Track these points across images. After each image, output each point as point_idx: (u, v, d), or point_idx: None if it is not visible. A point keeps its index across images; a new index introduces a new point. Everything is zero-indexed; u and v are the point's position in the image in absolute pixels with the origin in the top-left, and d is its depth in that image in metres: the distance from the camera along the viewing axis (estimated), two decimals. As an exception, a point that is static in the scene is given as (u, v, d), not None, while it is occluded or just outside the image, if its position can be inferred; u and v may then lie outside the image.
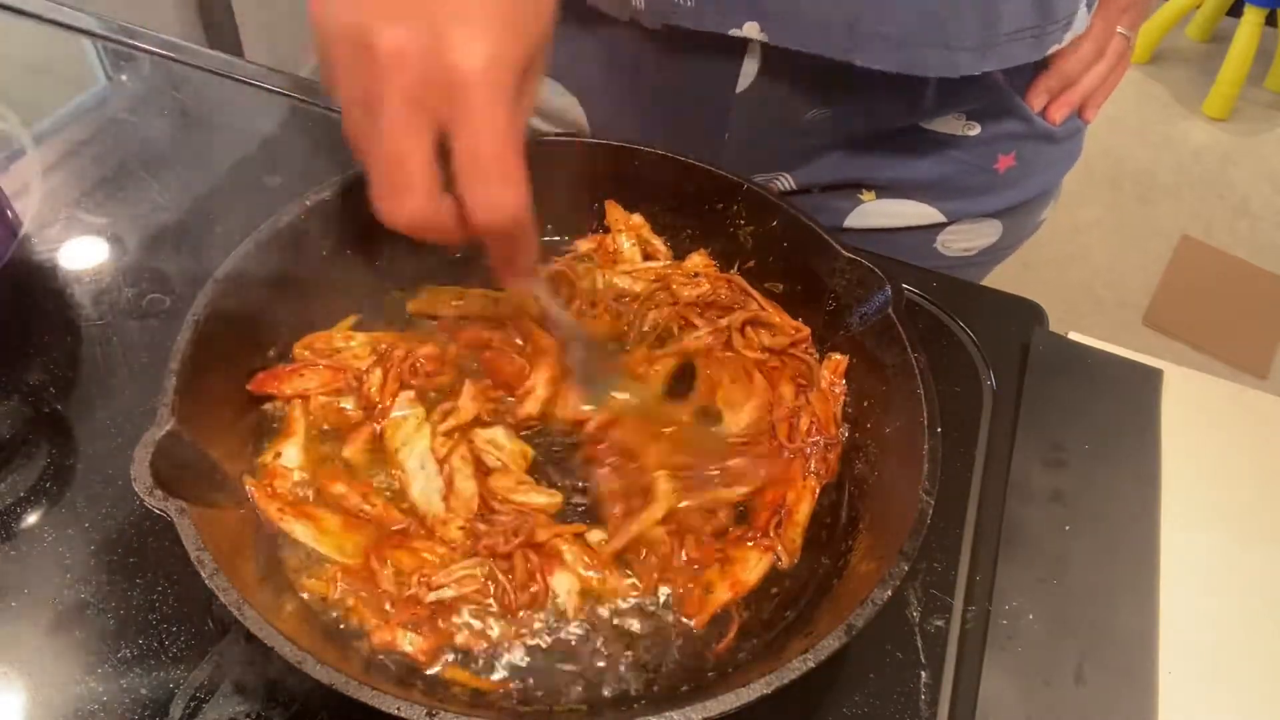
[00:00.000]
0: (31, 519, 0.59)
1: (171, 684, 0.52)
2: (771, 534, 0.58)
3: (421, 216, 0.45)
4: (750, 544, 0.57)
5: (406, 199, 0.45)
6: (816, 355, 0.67)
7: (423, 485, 0.57)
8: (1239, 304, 2.42)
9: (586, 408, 0.62)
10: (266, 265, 0.59)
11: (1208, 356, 2.26)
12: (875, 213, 0.87)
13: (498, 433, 0.60)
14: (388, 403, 0.60)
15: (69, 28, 0.93)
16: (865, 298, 0.63)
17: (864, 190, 0.86)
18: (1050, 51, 0.74)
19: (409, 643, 0.50)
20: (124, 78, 0.91)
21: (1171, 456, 0.69)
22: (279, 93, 0.90)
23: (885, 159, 0.83)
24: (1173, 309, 2.38)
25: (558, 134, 0.70)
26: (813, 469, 0.61)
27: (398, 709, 0.42)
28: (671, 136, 0.78)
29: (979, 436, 0.68)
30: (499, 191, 0.45)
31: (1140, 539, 0.64)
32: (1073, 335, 0.77)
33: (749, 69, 0.75)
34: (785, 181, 0.85)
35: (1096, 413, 0.71)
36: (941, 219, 0.86)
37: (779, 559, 0.57)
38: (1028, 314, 0.78)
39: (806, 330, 0.68)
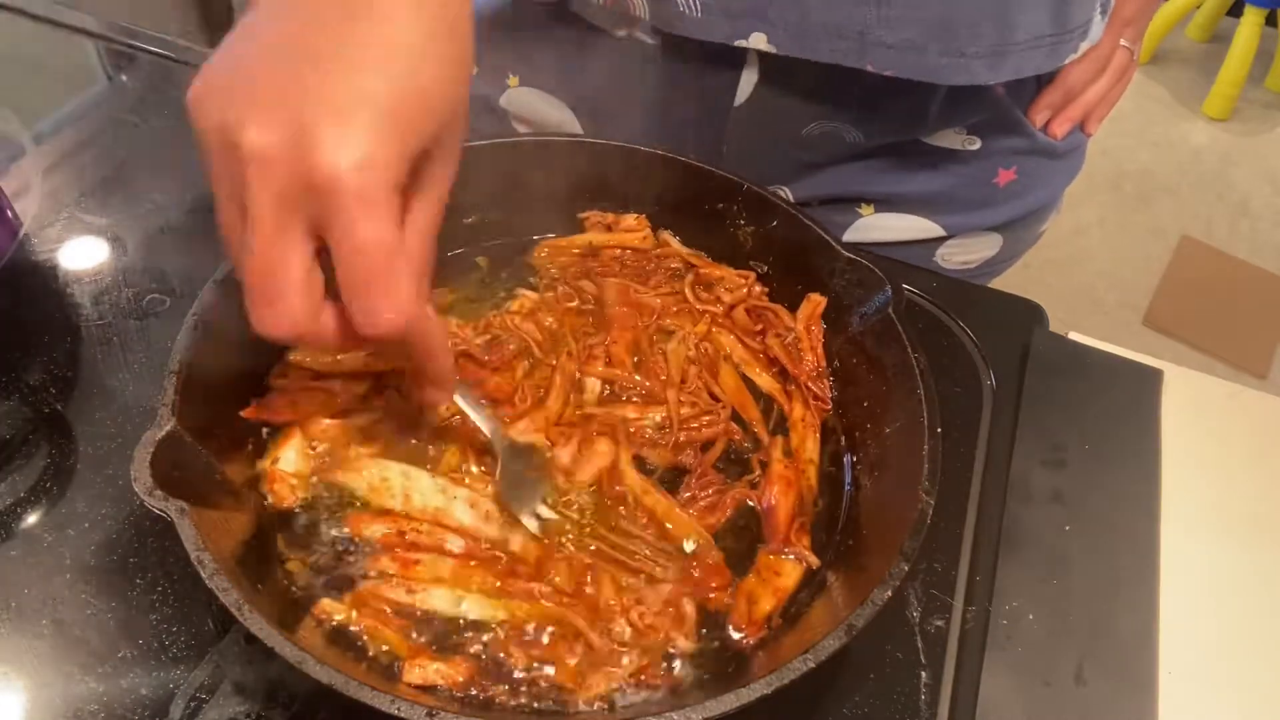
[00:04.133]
0: (31, 519, 0.59)
1: (171, 684, 0.52)
2: (793, 540, 0.58)
3: (297, 328, 0.42)
4: (773, 556, 0.58)
5: (280, 309, 0.41)
6: (767, 299, 0.70)
7: (464, 509, 0.56)
8: (1239, 304, 2.42)
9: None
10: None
11: (1208, 356, 2.26)
12: (874, 226, 0.86)
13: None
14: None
15: (69, 28, 0.93)
16: (865, 298, 0.63)
17: (862, 204, 0.86)
18: (1066, 61, 0.73)
19: (441, 675, 0.50)
20: (124, 78, 0.91)
21: (1171, 456, 0.69)
22: (279, 93, 0.90)
23: (885, 173, 0.82)
24: (1173, 309, 2.38)
25: (559, 135, 0.70)
26: (813, 395, 0.64)
27: (398, 709, 0.42)
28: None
29: (979, 436, 0.68)
30: (380, 303, 0.41)
31: (1140, 539, 0.64)
32: (1073, 335, 0.77)
33: (747, 83, 0.75)
34: (783, 194, 0.85)
35: (1096, 413, 0.71)
36: (941, 233, 0.86)
37: (807, 562, 0.57)
38: (1028, 314, 0.78)
39: (752, 275, 0.70)
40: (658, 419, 0.63)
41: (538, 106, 0.86)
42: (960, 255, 0.89)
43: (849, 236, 0.87)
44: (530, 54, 0.83)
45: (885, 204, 0.85)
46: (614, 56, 0.77)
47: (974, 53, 0.67)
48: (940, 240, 0.87)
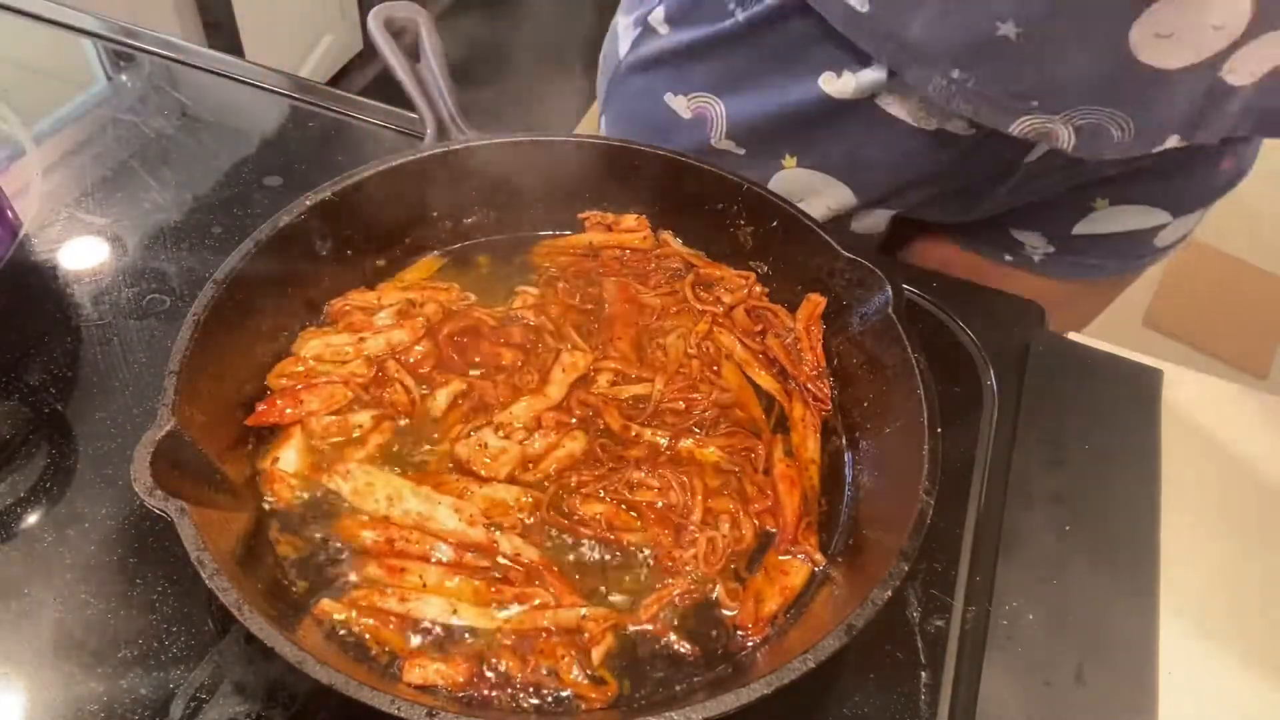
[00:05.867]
0: (31, 519, 0.59)
1: (171, 684, 0.52)
2: (800, 539, 0.58)
3: None
4: (785, 556, 0.58)
5: None
6: (767, 299, 0.71)
7: (448, 514, 0.57)
8: (1239, 304, 2.42)
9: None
10: (266, 265, 0.59)
11: (1208, 356, 2.26)
12: (1105, 219, 0.88)
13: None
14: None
15: (69, 28, 0.93)
16: (865, 298, 0.63)
17: (1098, 199, 0.86)
18: None
19: (441, 675, 0.50)
20: (124, 78, 0.91)
21: (1171, 456, 0.69)
22: (279, 93, 0.90)
23: (1129, 175, 0.83)
24: (1173, 309, 2.38)
25: (559, 136, 0.70)
26: (812, 395, 0.65)
27: (398, 709, 0.42)
28: (932, 204, 0.85)
29: (979, 436, 0.68)
30: None
31: (1140, 539, 0.64)
32: (1073, 335, 0.77)
33: (1038, 150, 0.77)
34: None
35: (1096, 413, 0.71)
36: (1167, 219, 0.87)
37: (813, 562, 0.57)
38: (1028, 314, 0.78)
39: (752, 275, 0.70)
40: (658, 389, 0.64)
41: (812, 184, 0.87)
42: (1175, 234, 0.91)
43: (1079, 229, 0.89)
44: (818, 142, 0.83)
45: (1119, 198, 0.86)
46: (914, 143, 0.79)
47: None
48: (1163, 226, 0.88)
